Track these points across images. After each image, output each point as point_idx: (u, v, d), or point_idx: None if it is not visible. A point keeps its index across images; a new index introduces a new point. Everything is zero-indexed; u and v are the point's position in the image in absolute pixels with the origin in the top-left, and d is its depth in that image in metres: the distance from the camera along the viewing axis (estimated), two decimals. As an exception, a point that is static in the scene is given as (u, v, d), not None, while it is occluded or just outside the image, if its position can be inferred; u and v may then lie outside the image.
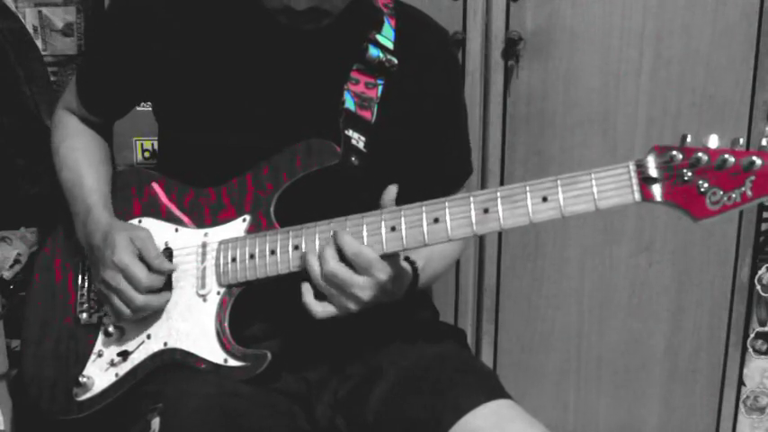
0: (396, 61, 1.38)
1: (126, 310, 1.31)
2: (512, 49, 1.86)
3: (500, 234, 1.98)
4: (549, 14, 1.86)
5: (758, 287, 2.03)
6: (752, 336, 2.06)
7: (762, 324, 2.06)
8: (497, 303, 2.03)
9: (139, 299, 1.30)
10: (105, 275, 1.32)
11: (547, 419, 2.09)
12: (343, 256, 1.19)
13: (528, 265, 2.01)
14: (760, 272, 2.02)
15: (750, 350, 2.08)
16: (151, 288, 1.31)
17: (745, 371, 2.09)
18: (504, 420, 1.22)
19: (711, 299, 2.03)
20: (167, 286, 1.34)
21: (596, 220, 1.96)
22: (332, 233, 1.21)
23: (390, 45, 1.39)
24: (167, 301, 1.34)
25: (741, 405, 2.11)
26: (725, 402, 2.10)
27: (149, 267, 1.31)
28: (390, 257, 1.22)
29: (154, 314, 1.35)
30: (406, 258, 1.32)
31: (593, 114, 1.91)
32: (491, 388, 1.28)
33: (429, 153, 1.45)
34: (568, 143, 1.92)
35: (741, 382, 2.09)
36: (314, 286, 1.22)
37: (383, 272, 1.19)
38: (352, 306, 1.21)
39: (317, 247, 1.23)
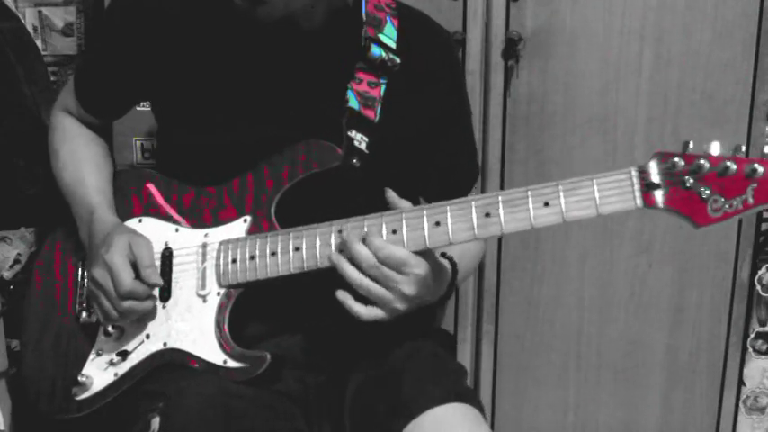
0: (398, 60, 1.39)
1: (113, 312, 1.31)
2: (512, 49, 1.86)
3: (500, 234, 1.98)
4: (549, 14, 1.86)
5: (758, 287, 2.03)
6: (752, 336, 2.06)
7: (762, 324, 2.06)
8: (497, 303, 2.03)
9: (122, 302, 1.30)
10: (95, 273, 1.32)
11: (547, 419, 2.11)
12: (377, 259, 1.18)
13: (528, 265, 2.01)
14: (760, 272, 2.02)
15: (750, 350, 2.08)
16: (132, 295, 1.29)
17: (745, 371, 2.09)
18: (443, 427, 1.23)
19: (711, 299, 2.02)
20: (167, 293, 1.35)
21: (596, 220, 1.95)
22: (363, 233, 1.20)
23: (393, 44, 1.40)
24: (153, 307, 1.34)
25: (741, 405, 2.11)
26: (725, 402, 2.09)
27: (138, 275, 1.31)
28: (426, 253, 1.21)
29: (153, 314, 1.35)
30: (443, 254, 1.31)
31: (594, 114, 1.91)
32: (445, 390, 1.28)
33: (433, 155, 1.45)
34: (568, 143, 1.92)
35: (741, 382, 2.09)
36: (352, 291, 1.21)
37: (419, 267, 1.19)
38: (398, 305, 1.20)
39: (333, 248, 1.22)
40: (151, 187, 1.41)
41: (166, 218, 1.39)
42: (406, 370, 1.31)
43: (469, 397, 1.30)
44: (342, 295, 1.21)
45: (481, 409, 1.31)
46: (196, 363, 1.30)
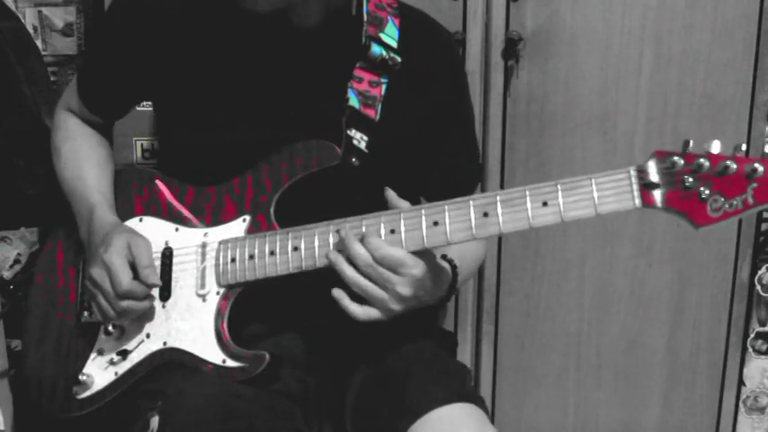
0: (399, 59, 1.39)
1: (111, 312, 1.31)
2: (512, 49, 1.86)
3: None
4: (549, 14, 1.86)
5: (758, 287, 2.03)
6: (752, 336, 2.06)
7: (762, 324, 2.06)
8: (497, 303, 2.03)
9: (120, 302, 1.30)
10: (93, 273, 1.32)
11: (547, 419, 2.11)
12: (373, 259, 1.18)
13: (528, 265, 2.01)
14: (760, 272, 2.02)
15: (750, 350, 2.08)
16: (130, 295, 1.29)
17: (745, 371, 2.09)
18: (447, 427, 1.23)
19: (711, 299, 2.02)
20: (167, 292, 1.35)
21: (596, 220, 1.95)
22: (361, 233, 1.20)
23: (394, 44, 1.40)
24: (152, 307, 1.34)
25: (741, 405, 2.11)
26: (725, 402, 2.09)
27: (137, 275, 1.31)
28: (424, 254, 1.21)
29: (153, 313, 1.35)
30: (444, 256, 1.31)
31: (593, 114, 1.91)
32: (449, 391, 1.27)
33: (434, 156, 1.45)
34: (568, 143, 1.92)
35: (741, 382, 2.09)
36: (349, 290, 1.21)
37: (416, 267, 1.19)
38: (394, 306, 1.20)
39: (332, 246, 1.22)
40: (159, 183, 1.42)
41: (167, 217, 1.40)
42: (408, 371, 1.31)
43: (473, 397, 1.30)
44: (338, 293, 1.21)
45: (485, 409, 1.31)
46: (196, 362, 1.30)
